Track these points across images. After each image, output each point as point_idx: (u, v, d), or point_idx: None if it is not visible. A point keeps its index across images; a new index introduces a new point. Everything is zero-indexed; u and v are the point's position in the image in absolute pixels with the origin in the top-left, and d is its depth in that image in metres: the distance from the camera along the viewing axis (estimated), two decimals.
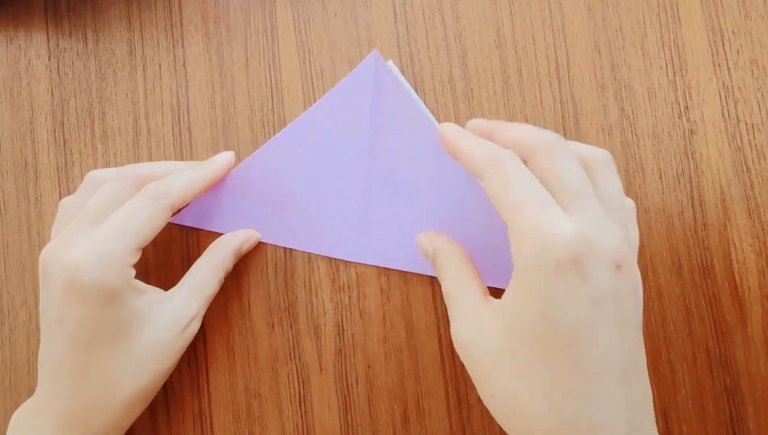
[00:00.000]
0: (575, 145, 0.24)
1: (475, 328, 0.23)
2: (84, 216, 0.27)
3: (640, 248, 0.29)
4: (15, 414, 0.28)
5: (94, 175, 0.29)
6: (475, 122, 0.26)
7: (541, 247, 0.21)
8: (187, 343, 0.28)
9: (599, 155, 0.24)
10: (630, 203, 0.26)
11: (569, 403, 0.21)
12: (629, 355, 0.21)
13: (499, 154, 0.23)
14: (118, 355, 0.26)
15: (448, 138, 0.25)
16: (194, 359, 0.31)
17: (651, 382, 0.29)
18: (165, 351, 0.27)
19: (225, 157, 0.31)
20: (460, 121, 0.31)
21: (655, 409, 0.28)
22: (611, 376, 0.21)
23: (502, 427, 0.23)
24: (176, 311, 0.28)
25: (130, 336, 0.26)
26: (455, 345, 0.24)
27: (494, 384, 0.23)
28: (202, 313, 0.29)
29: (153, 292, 0.28)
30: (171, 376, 0.30)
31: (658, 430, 0.28)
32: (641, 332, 0.22)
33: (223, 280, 0.30)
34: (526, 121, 0.31)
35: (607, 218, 0.22)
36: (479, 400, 0.29)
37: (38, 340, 0.33)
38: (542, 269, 0.21)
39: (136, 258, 0.26)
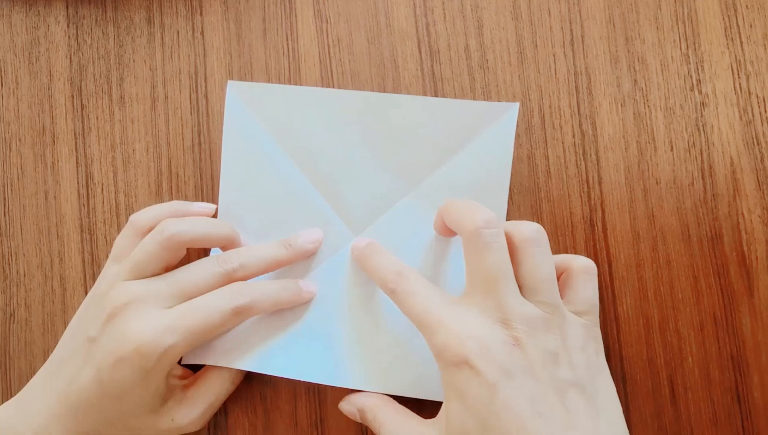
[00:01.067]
0: (509, 225, 0.26)
1: None
2: (160, 288, 0.27)
3: (650, 218, 0.30)
4: None
5: (135, 220, 0.30)
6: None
7: (441, 361, 0.23)
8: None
9: (524, 233, 0.25)
10: (581, 265, 0.27)
11: None
12: (552, 429, 0.22)
13: (399, 272, 0.26)
14: (124, 412, 0.27)
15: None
16: None
17: (659, 349, 0.29)
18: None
19: (311, 239, 0.31)
20: (475, 94, 0.32)
21: (662, 377, 0.29)
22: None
23: None
24: (180, 407, 0.29)
25: (148, 412, 0.28)
26: None
27: None
28: (205, 419, 0.30)
29: (179, 374, 0.30)
30: None
31: (666, 397, 0.29)
32: (585, 389, 0.23)
33: (239, 380, 0.31)
34: (541, 92, 0.31)
35: (510, 298, 0.24)
36: None
37: (53, 301, 0.33)
38: (445, 377, 0.23)
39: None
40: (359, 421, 0.28)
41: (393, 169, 0.31)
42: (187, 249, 0.30)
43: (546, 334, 0.23)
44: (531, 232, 0.25)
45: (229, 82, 0.31)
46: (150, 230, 0.29)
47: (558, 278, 0.27)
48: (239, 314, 0.27)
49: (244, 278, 0.29)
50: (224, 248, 0.30)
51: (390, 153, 0.31)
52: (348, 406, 0.29)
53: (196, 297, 0.28)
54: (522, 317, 0.23)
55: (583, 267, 0.26)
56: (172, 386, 0.29)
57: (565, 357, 0.23)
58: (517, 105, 0.29)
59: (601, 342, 0.26)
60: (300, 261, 0.31)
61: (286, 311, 0.30)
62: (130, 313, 0.26)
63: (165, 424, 0.28)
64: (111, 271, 0.29)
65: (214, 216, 0.32)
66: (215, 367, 0.30)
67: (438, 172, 0.30)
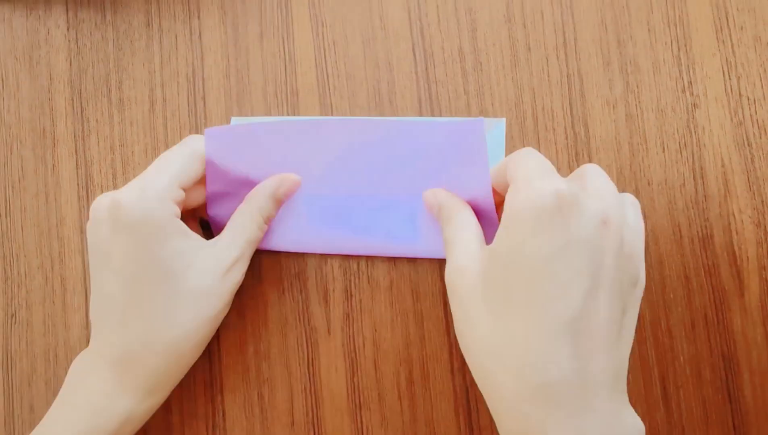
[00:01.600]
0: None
1: (461, 268, 0.25)
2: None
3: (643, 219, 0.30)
4: (74, 362, 0.28)
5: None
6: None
7: (531, 195, 0.22)
8: (232, 289, 0.29)
9: (587, 167, 0.25)
10: (630, 197, 0.26)
11: (522, 356, 0.22)
12: (591, 311, 0.21)
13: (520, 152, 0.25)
14: (162, 295, 0.27)
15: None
16: None
17: (651, 348, 0.30)
18: (209, 295, 0.28)
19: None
20: (469, 96, 0.32)
21: (653, 376, 0.29)
22: (563, 329, 0.21)
23: (468, 364, 0.25)
24: (218, 256, 0.28)
25: (175, 276, 0.27)
26: (446, 282, 0.26)
27: (466, 323, 0.24)
28: (246, 258, 0.29)
29: (197, 239, 0.28)
30: None
31: (657, 395, 0.29)
32: (626, 300, 0.23)
33: (266, 227, 0.30)
34: (533, 94, 0.31)
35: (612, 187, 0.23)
36: None
37: (54, 302, 0.34)
38: (527, 211, 0.22)
39: (179, 195, 0.27)
40: (434, 214, 0.29)
41: (379, 190, 0.31)
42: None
43: (625, 230, 0.23)
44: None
45: (206, 130, 0.29)
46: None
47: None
48: (194, 151, 0.28)
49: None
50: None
51: (375, 175, 0.30)
52: (431, 198, 0.29)
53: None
54: (619, 204, 0.23)
55: (633, 199, 0.26)
56: (194, 244, 0.28)
57: (632, 262, 0.23)
58: (481, 120, 0.27)
59: None
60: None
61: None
62: (120, 194, 0.27)
63: (207, 287, 0.27)
64: None
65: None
66: (235, 217, 0.30)
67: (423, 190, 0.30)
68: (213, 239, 0.29)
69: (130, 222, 0.26)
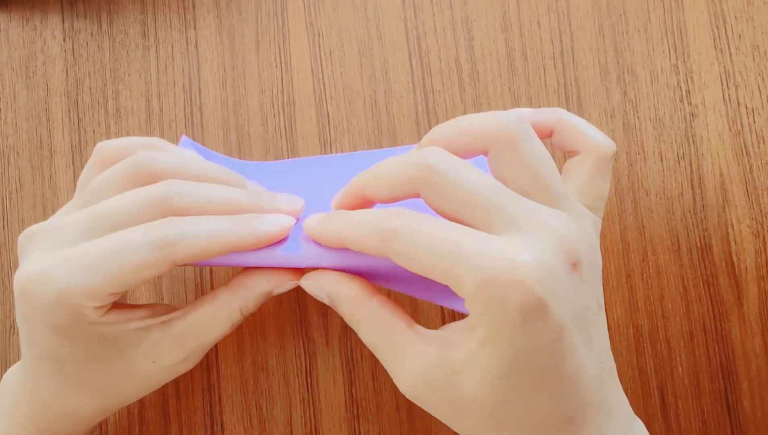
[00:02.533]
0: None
1: (425, 372, 0.20)
2: (72, 221, 0.21)
3: (640, 229, 0.30)
4: (6, 376, 0.26)
5: (103, 147, 0.25)
6: (434, 134, 0.21)
7: (501, 310, 0.17)
8: (170, 378, 0.24)
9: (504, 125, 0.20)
10: (595, 145, 0.22)
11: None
12: (599, 359, 0.20)
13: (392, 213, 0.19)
14: (84, 374, 0.22)
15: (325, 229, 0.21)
16: None
17: (649, 358, 0.29)
18: (139, 382, 0.23)
19: (289, 209, 0.23)
20: (466, 106, 0.32)
21: (651, 386, 0.29)
22: (590, 392, 0.19)
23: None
24: (160, 349, 0.23)
25: (99, 360, 0.22)
26: (407, 394, 0.20)
27: (468, 423, 0.20)
28: (197, 358, 0.24)
29: (142, 316, 0.23)
30: None
31: (656, 406, 0.29)
32: (602, 307, 0.20)
33: (239, 323, 0.25)
34: (531, 104, 0.31)
35: (553, 211, 0.19)
36: None
37: None
38: (504, 328, 0.18)
39: (106, 300, 0.21)
40: (329, 304, 0.23)
41: None
42: None
43: (592, 247, 0.19)
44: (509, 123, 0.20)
45: (183, 136, 0.29)
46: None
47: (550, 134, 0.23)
48: (164, 250, 0.20)
49: (183, 214, 0.21)
50: None
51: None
52: (312, 286, 0.22)
53: (119, 228, 0.21)
54: (567, 228, 0.18)
55: (603, 151, 0.22)
56: (138, 330, 0.23)
57: (594, 269, 0.20)
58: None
59: None
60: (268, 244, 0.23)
61: None
62: (29, 253, 0.21)
63: (145, 370, 0.23)
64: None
65: None
66: (208, 303, 0.24)
67: None
68: (172, 316, 0.23)
69: (37, 316, 0.20)
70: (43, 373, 0.22)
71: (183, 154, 0.24)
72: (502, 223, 0.18)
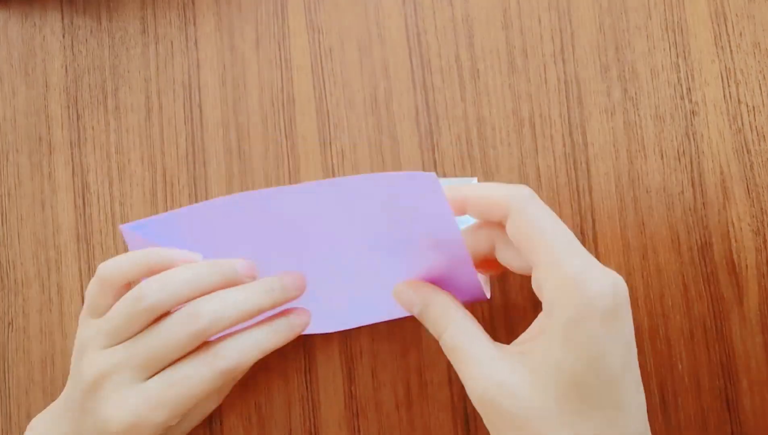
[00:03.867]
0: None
1: (499, 382, 0.22)
2: (131, 358, 0.25)
3: (640, 227, 0.30)
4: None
5: (104, 271, 0.27)
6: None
7: (587, 297, 0.20)
8: None
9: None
10: None
11: None
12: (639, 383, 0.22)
13: (519, 190, 0.23)
14: None
15: (455, 198, 0.24)
16: None
17: (649, 356, 0.29)
18: None
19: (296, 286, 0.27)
20: (466, 104, 0.32)
21: (652, 384, 0.29)
22: (642, 413, 0.21)
23: None
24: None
25: None
26: (476, 401, 0.22)
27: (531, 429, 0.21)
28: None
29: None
30: None
31: (656, 404, 0.29)
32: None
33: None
34: (531, 101, 0.31)
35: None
36: None
37: (50, 310, 0.33)
38: (588, 319, 0.20)
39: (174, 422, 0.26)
40: (412, 312, 0.25)
41: (329, 253, 0.27)
42: None
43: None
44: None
45: (121, 226, 0.28)
46: (123, 286, 0.27)
47: None
48: (225, 376, 0.25)
49: (217, 333, 0.25)
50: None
51: (327, 249, 0.27)
52: (411, 295, 0.25)
53: (170, 361, 0.25)
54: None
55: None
56: None
57: None
58: (432, 175, 0.22)
59: None
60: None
61: None
62: (105, 394, 0.25)
63: None
64: (87, 332, 0.27)
65: None
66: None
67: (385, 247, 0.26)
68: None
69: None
70: None
71: (181, 272, 0.26)
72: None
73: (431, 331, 0.25)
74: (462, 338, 0.23)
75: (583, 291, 0.20)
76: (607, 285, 0.21)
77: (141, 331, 0.26)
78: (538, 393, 0.21)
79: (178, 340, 0.25)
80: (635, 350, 0.22)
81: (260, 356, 0.26)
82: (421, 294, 0.25)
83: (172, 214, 0.28)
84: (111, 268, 0.26)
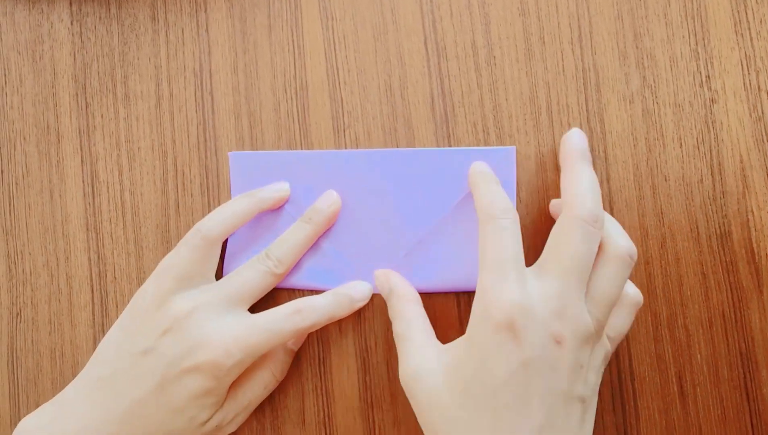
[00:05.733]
0: (609, 224, 0.26)
1: (419, 368, 0.25)
2: (214, 297, 0.28)
3: (659, 215, 0.30)
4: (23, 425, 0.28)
5: (208, 234, 0.29)
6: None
7: (485, 306, 0.23)
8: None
9: (621, 249, 0.25)
10: (632, 297, 0.26)
11: None
12: (554, 422, 0.22)
13: (497, 210, 0.25)
14: (187, 420, 0.27)
15: (472, 175, 0.28)
16: None
17: (667, 346, 0.29)
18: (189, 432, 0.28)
19: (328, 202, 0.31)
20: (482, 91, 0.31)
21: (670, 374, 0.29)
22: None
23: None
24: (222, 419, 0.29)
25: (204, 414, 0.28)
26: (402, 383, 0.26)
27: (429, 420, 0.24)
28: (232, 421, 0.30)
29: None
30: None
31: (674, 394, 0.29)
32: (585, 406, 0.23)
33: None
34: (548, 89, 0.31)
35: (575, 300, 0.23)
36: None
37: (59, 300, 0.33)
38: (483, 326, 0.23)
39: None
40: (384, 295, 0.29)
41: (400, 219, 0.31)
42: None
43: (584, 347, 0.23)
44: (625, 249, 0.25)
45: (230, 154, 0.32)
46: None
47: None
48: (298, 332, 0.28)
49: (286, 269, 0.30)
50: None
51: (396, 206, 0.31)
52: (382, 280, 0.30)
53: (249, 299, 0.29)
54: (576, 321, 0.23)
55: (633, 300, 0.26)
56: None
57: (586, 373, 0.24)
58: (513, 148, 0.30)
59: None
60: (325, 228, 0.31)
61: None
62: (195, 323, 0.27)
63: (208, 429, 0.28)
64: (152, 287, 0.29)
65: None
66: (255, 368, 0.30)
67: (445, 217, 0.30)
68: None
69: (207, 378, 0.27)
70: (154, 422, 0.27)
71: (226, 205, 0.31)
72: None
73: (389, 315, 0.29)
74: (405, 327, 0.27)
75: (482, 300, 0.24)
76: (504, 299, 0.23)
77: (206, 268, 0.29)
78: (445, 384, 0.24)
79: (254, 278, 0.29)
80: (543, 377, 0.22)
81: (325, 322, 0.29)
82: (390, 282, 0.29)
83: (277, 153, 0.32)
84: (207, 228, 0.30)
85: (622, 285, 0.24)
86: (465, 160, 0.30)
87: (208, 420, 0.28)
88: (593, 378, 0.24)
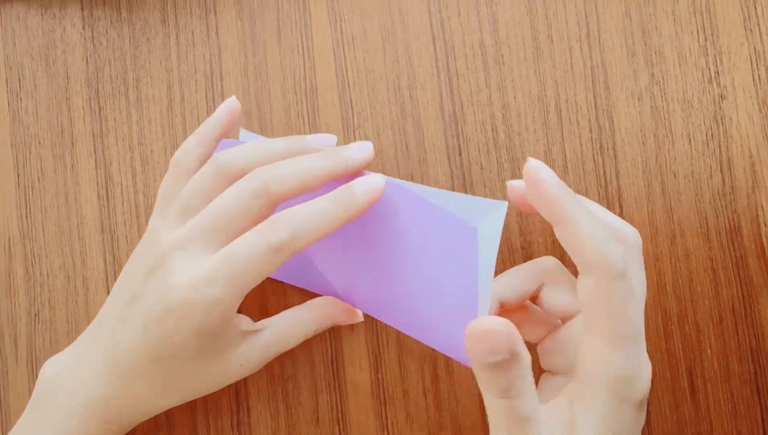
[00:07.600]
0: (605, 216, 0.24)
1: None
2: (197, 230, 0.24)
3: (669, 212, 0.30)
4: (48, 367, 0.28)
5: (179, 159, 0.28)
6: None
7: (625, 382, 0.21)
8: (239, 379, 0.28)
9: (630, 238, 0.23)
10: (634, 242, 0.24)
11: None
12: None
13: (620, 261, 0.21)
14: (181, 371, 0.26)
15: (543, 191, 0.22)
16: None
17: (678, 342, 0.29)
18: (220, 381, 0.27)
19: (362, 157, 0.26)
20: (491, 90, 0.32)
21: (680, 369, 0.29)
22: None
23: None
24: (250, 354, 0.27)
25: (204, 360, 0.26)
26: None
27: None
28: (265, 364, 0.28)
29: (247, 322, 0.28)
30: None
31: (685, 389, 0.29)
32: None
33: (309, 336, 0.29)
34: (557, 87, 0.31)
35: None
36: None
37: (76, 301, 0.34)
38: (625, 405, 0.21)
39: (237, 306, 0.25)
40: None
41: (381, 253, 0.27)
42: None
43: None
44: (633, 239, 0.23)
45: (241, 130, 0.32)
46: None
47: None
48: (282, 251, 0.23)
49: (283, 196, 0.24)
50: None
51: (376, 240, 0.27)
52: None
53: (236, 230, 0.24)
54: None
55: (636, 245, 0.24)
56: (242, 333, 0.27)
57: None
58: (505, 203, 0.25)
59: None
60: (348, 177, 0.25)
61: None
62: (171, 263, 0.24)
63: (231, 370, 0.27)
64: (155, 223, 0.27)
65: None
66: (291, 320, 0.28)
67: (412, 267, 0.26)
68: (258, 326, 0.28)
69: (185, 325, 0.24)
70: (144, 373, 0.25)
71: (250, 144, 0.26)
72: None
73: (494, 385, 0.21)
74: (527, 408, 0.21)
75: (624, 378, 0.21)
76: (647, 380, 0.22)
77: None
78: None
79: (240, 202, 0.24)
80: None
81: (319, 232, 0.23)
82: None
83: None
84: (183, 155, 0.28)
85: (639, 271, 0.23)
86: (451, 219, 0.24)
87: (225, 360, 0.26)
88: None
